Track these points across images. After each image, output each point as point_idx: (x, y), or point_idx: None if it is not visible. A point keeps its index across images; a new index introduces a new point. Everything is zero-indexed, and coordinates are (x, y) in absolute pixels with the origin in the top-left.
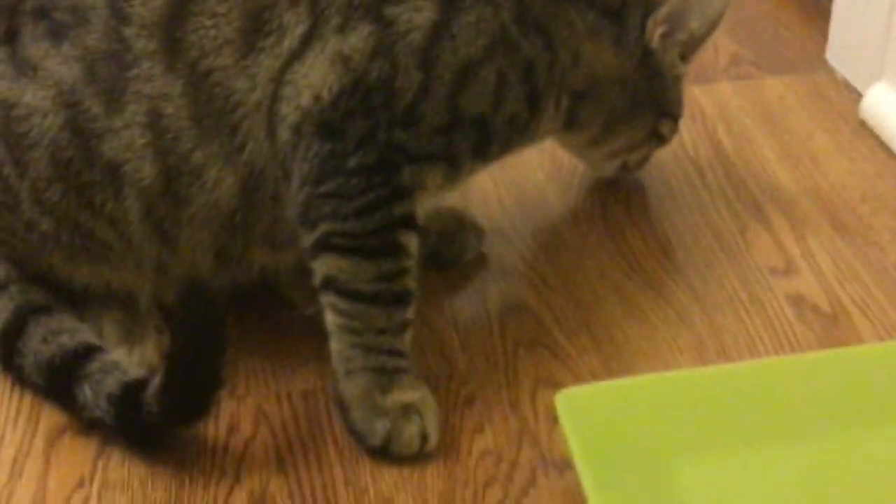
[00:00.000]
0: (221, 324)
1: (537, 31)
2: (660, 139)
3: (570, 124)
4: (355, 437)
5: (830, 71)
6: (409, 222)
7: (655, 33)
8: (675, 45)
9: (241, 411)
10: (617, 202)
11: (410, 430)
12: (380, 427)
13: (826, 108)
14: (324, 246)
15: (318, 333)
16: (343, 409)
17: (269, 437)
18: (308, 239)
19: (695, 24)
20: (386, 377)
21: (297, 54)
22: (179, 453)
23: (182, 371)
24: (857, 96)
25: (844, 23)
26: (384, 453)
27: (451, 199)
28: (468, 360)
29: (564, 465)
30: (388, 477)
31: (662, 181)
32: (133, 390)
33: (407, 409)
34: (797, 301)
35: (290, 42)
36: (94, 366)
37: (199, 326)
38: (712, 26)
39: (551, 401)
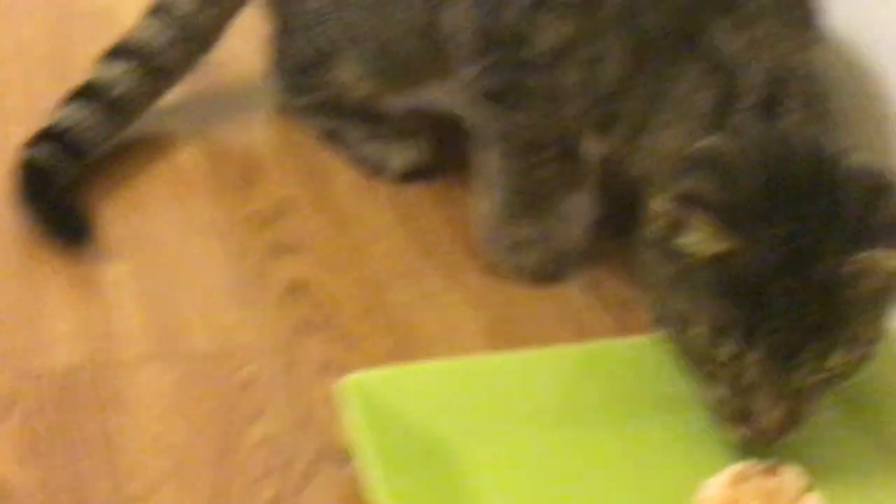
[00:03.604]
0: None
1: None
2: None
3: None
4: None
5: None
6: None
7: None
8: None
9: None
10: (411, 182)
11: None
12: None
13: None
14: None
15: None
16: None
17: (18, 422)
18: None
19: None
20: None
21: None
22: None
23: None
24: None
25: None
26: None
27: None
28: (247, 340)
29: (348, 455)
30: (153, 467)
31: (462, 163)
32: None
33: None
34: (592, 287)
35: None
36: None
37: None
38: None
39: (336, 386)
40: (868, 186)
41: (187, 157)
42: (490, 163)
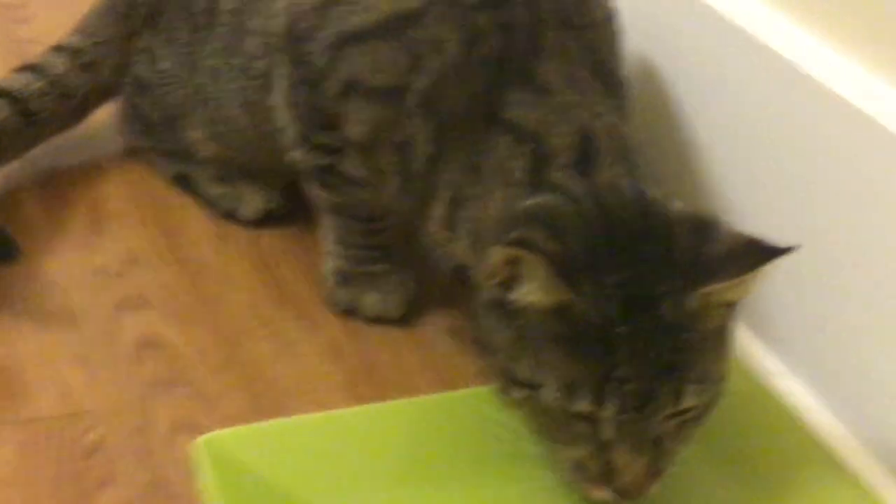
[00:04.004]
0: None
1: None
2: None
3: None
4: None
5: None
6: None
7: (489, 281)
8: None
9: None
10: (269, 226)
11: None
12: None
13: None
14: None
15: None
16: None
17: None
18: None
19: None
20: None
21: None
22: None
23: None
24: None
25: None
26: None
27: None
28: (95, 400)
29: None
30: None
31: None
32: None
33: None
34: (454, 333)
35: None
36: None
37: None
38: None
39: (191, 447)
40: (694, 226)
41: (30, 208)
42: (326, 228)
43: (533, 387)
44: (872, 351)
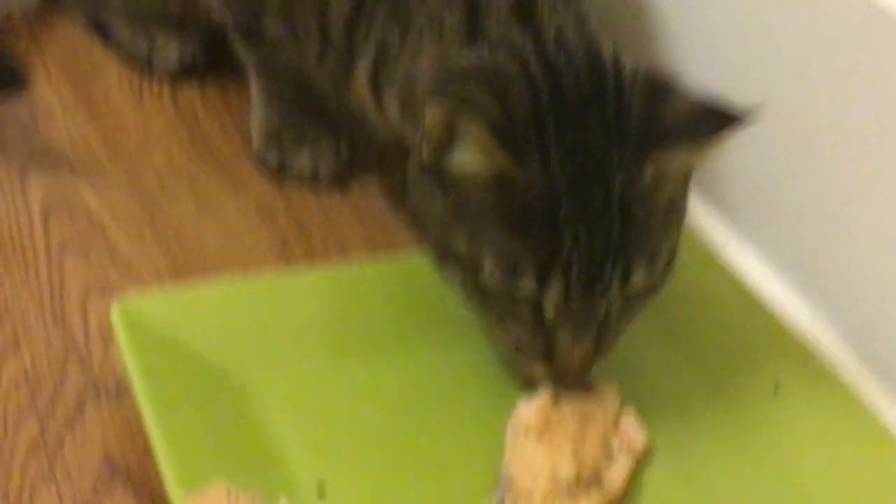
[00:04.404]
0: None
1: None
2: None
3: None
4: None
5: None
6: None
7: (424, 144)
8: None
9: None
10: (190, 80)
11: None
12: None
13: None
14: None
15: None
16: None
17: None
18: None
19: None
20: None
21: None
22: None
23: None
24: None
25: None
26: None
27: None
28: (1, 264)
29: (121, 390)
30: None
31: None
32: None
33: None
34: (389, 196)
35: None
36: None
37: None
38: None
39: (106, 312)
40: (649, 87)
41: None
42: (254, 85)
43: (470, 262)
44: (826, 220)
